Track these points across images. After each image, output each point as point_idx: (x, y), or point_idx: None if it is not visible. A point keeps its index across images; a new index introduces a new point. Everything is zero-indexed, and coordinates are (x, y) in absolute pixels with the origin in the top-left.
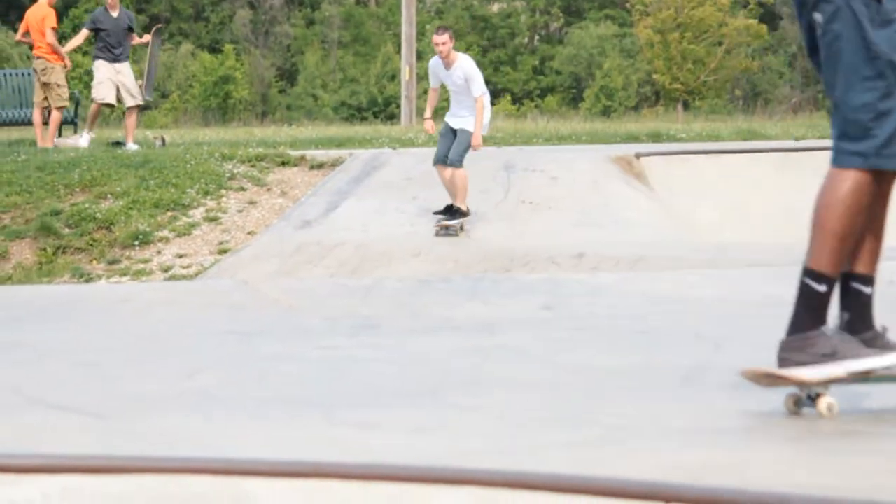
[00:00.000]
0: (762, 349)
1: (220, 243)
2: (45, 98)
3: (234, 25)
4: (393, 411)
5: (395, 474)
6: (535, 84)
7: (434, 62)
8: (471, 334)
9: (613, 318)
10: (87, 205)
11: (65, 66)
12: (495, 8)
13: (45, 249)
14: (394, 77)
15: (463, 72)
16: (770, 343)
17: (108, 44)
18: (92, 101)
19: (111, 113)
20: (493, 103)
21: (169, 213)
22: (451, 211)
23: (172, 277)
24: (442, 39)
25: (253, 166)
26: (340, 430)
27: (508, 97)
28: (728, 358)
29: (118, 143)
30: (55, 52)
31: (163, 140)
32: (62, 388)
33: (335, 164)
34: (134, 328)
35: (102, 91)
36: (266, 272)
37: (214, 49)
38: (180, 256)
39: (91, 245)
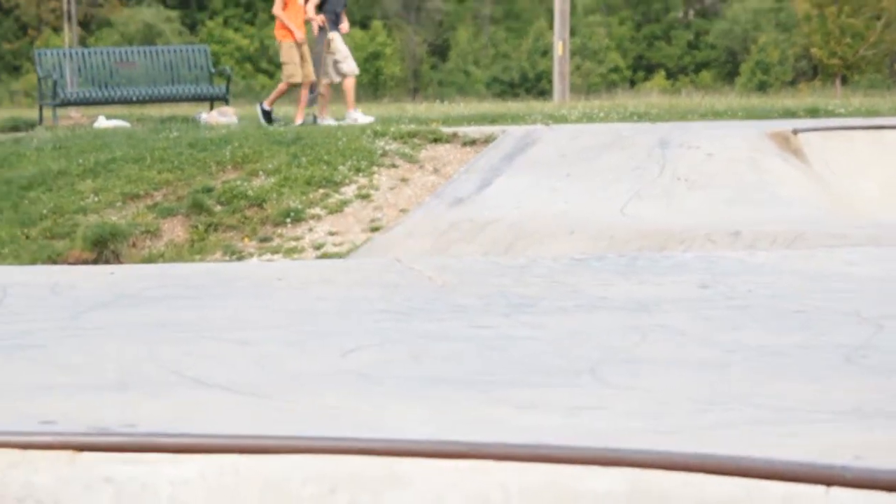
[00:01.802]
0: None
1: (372, 220)
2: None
3: (385, 1)
4: (549, 390)
5: (551, 455)
6: (690, 59)
7: None
8: (627, 313)
9: (771, 296)
10: (238, 182)
11: (293, 43)
12: None
13: (196, 227)
14: (546, 52)
15: None
16: None
17: (336, 14)
18: (344, 76)
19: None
20: (647, 78)
21: (321, 191)
22: None
23: (324, 255)
24: None
25: (405, 143)
26: (497, 410)
27: (663, 72)
28: (891, 338)
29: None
30: (284, 26)
31: (314, 117)
32: (218, 367)
33: (488, 140)
34: (288, 306)
35: (352, 65)
36: (418, 250)
37: (364, 25)
38: (332, 234)
39: (243, 222)
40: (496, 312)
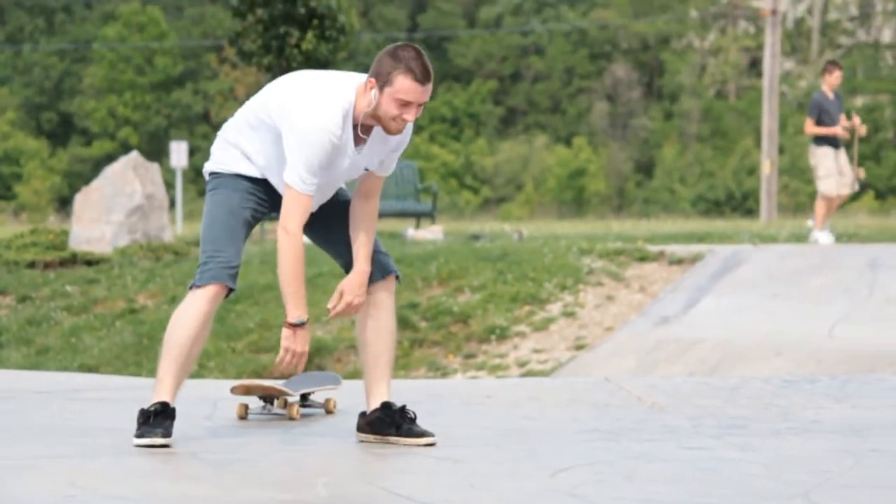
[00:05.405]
0: None
1: (577, 339)
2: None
3: (591, 118)
4: None
5: None
6: None
7: None
8: (840, 436)
9: None
10: (444, 298)
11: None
12: (859, 102)
13: (401, 342)
14: (752, 171)
15: None
16: None
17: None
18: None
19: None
20: (856, 199)
21: (526, 308)
22: None
23: (529, 373)
24: None
25: (611, 261)
26: None
27: (872, 193)
28: None
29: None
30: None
31: (520, 234)
32: (429, 485)
33: (695, 259)
34: (496, 424)
35: (831, 184)
36: (623, 369)
37: (568, 142)
38: (537, 351)
39: (447, 338)
40: (707, 434)
